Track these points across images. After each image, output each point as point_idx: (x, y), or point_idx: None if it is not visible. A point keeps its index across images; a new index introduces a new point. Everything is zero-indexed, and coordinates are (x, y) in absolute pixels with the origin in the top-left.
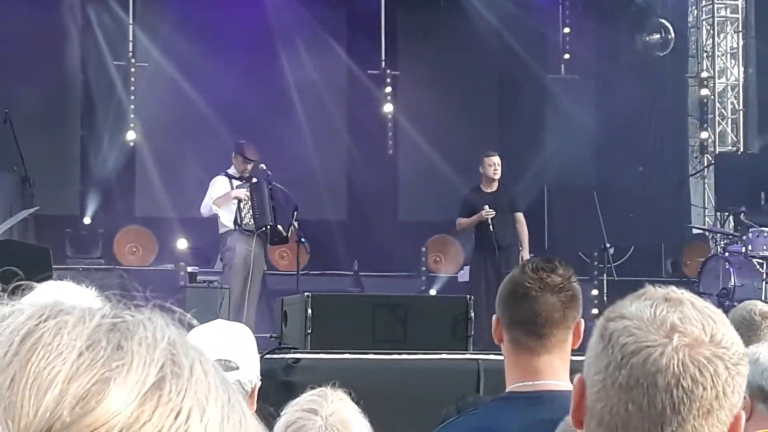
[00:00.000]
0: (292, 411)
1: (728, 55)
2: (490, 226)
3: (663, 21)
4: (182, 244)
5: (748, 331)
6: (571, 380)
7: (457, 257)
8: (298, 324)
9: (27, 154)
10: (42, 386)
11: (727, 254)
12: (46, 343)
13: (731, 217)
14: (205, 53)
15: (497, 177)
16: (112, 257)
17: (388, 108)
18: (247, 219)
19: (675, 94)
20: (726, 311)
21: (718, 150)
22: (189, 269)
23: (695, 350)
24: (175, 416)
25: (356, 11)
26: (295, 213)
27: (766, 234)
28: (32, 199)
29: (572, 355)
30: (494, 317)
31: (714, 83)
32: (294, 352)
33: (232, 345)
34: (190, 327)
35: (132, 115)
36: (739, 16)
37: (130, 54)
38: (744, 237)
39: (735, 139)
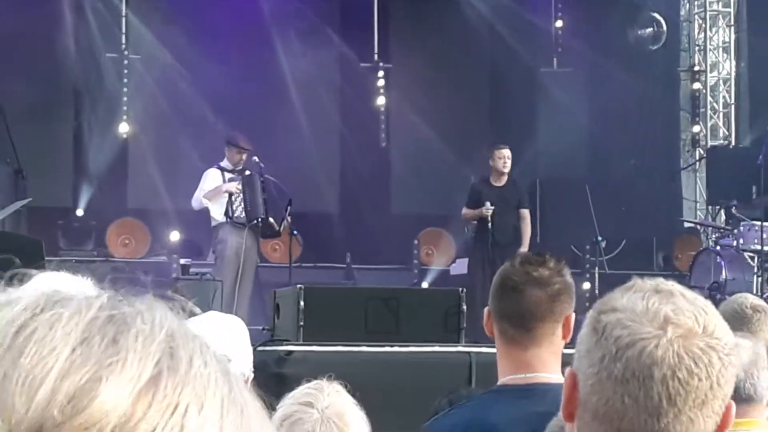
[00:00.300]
0: (288, 404)
1: (720, 48)
2: (489, 223)
3: (655, 15)
4: (175, 236)
5: (739, 324)
6: (563, 373)
7: (449, 250)
8: (290, 316)
9: (19, 145)
10: (34, 383)
11: (718, 248)
12: (39, 337)
13: (723, 211)
14: (198, 45)
15: (506, 170)
16: (105, 249)
17: (380, 100)
18: (239, 212)
19: (667, 87)
20: (717, 305)
21: (709, 144)
22: (182, 261)
23: (689, 341)
24: (171, 413)
25: (349, 4)
26: (289, 208)
27: (757, 228)
28: (25, 190)
29: (566, 348)
30: (485, 309)
31: (706, 77)
32: (286, 345)
33: (224, 337)
34: (192, 314)
35: (125, 107)
36: (731, 9)
37: (123, 45)
38: (735, 230)
39: (727, 132)
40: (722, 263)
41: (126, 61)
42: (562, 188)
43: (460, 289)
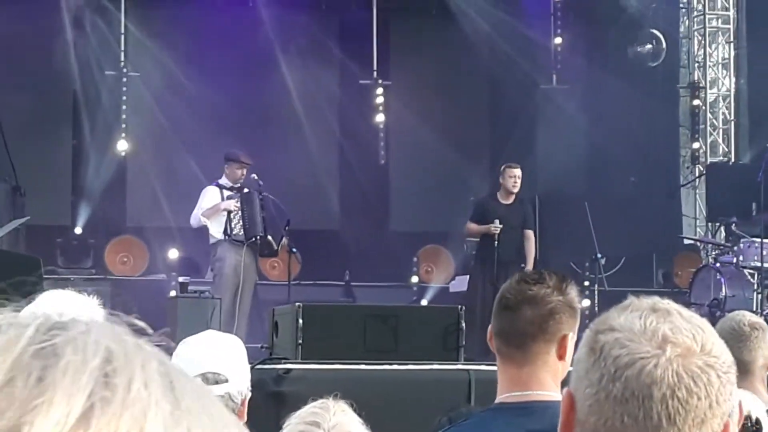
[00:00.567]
0: (294, 423)
1: (720, 65)
2: (495, 241)
3: (654, 31)
4: (173, 253)
5: (737, 341)
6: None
7: (448, 267)
8: (289, 334)
9: (18, 163)
10: None
11: (718, 265)
12: None
13: (722, 228)
14: (197, 63)
15: (515, 190)
16: (104, 267)
17: (380, 118)
18: (237, 229)
19: (666, 104)
20: (717, 322)
21: (709, 160)
22: (180, 279)
23: (688, 360)
24: None
25: (348, 21)
26: (287, 228)
27: (757, 245)
28: (23, 208)
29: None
30: (489, 327)
31: (705, 93)
32: (285, 363)
33: (222, 356)
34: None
35: (124, 125)
36: (731, 26)
37: (122, 63)
38: (735, 247)
39: (726, 149)
40: (722, 280)
41: (125, 79)
42: (562, 205)
43: (459, 306)
